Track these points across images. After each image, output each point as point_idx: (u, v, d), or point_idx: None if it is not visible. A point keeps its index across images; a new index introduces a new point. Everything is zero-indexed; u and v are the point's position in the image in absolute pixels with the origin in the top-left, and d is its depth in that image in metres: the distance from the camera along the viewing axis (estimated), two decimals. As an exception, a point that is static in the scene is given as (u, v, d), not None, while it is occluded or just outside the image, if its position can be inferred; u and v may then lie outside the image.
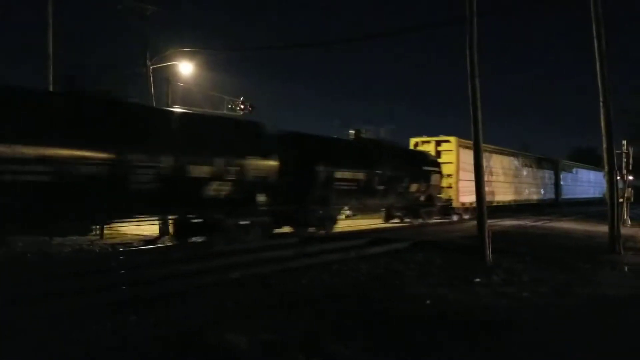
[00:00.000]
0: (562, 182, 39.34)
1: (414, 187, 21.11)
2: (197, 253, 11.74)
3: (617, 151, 19.17)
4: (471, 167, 13.02)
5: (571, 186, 42.48)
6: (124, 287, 7.92)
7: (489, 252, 11.44)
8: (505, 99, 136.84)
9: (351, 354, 5.31)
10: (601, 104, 13.73)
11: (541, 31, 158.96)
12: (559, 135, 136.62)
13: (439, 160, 23.94)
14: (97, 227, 14.60)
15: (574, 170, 44.77)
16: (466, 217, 24.66)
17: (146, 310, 6.65)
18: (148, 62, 20.31)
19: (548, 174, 36.78)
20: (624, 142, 22.93)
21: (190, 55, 22.04)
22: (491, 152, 26.95)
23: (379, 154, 19.42)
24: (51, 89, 16.68)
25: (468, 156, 19.99)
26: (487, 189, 15.50)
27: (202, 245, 13.25)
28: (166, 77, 22.00)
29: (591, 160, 56.04)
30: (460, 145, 24.30)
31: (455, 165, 24.26)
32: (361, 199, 18.37)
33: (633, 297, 8.22)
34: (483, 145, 12.99)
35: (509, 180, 30.03)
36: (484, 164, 13.87)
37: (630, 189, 24.33)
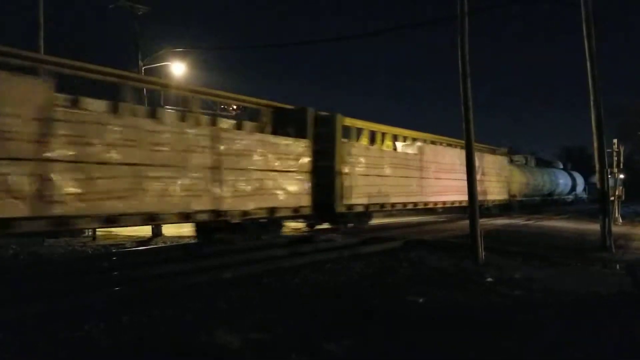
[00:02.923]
0: (346, 170, 15.16)
1: None
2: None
3: (608, 150, 19.35)
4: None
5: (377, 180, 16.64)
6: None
7: (481, 250, 11.49)
8: (499, 97, 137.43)
9: (342, 353, 5.33)
10: (592, 103, 13.82)
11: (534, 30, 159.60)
12: (554, 136, 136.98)
13: None
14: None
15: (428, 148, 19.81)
16: None
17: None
18: (140, 63, 20.28)
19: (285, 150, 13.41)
20: (615, 140, 23.17)
21: (183, 55, 22.05)
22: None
23: None
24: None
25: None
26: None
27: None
28: (159, 77, 21.97)
29: (582, 159, 55.70)
30: None
31: None
32: None
33: (622, 293, 8.30)
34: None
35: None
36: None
37: (621, 187, 24.51)
